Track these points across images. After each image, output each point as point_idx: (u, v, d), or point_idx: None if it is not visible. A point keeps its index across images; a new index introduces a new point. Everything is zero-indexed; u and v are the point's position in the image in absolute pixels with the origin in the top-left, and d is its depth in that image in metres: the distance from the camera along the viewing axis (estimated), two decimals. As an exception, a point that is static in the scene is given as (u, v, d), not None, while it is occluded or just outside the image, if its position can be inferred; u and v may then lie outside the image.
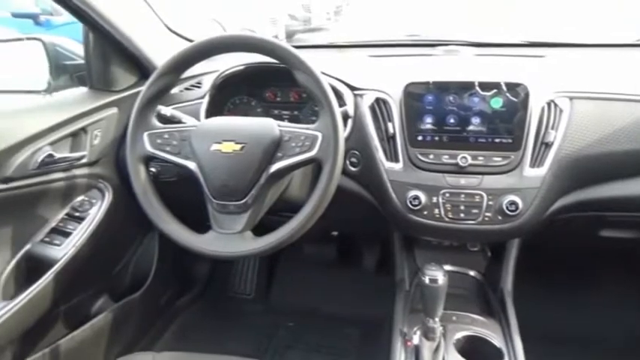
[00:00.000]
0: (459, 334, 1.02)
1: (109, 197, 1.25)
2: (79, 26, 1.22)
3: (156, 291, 1.60)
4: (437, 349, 0.96)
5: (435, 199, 1.03)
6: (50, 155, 1.06)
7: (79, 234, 1.17)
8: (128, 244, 1.50)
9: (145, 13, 1.29)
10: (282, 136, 0.89)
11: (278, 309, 1.89)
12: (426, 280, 0.92)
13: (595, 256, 1.62)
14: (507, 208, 0.99)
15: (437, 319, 0.95)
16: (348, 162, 1.11)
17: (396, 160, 1.06)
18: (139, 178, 0.96)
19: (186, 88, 1.28)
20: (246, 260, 1.97)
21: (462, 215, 1.02)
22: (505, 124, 1.01)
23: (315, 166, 0.99)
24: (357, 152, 1.10)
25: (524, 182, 1.00)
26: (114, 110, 1.23)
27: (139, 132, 0.96)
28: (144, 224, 1.46)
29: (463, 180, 1.02)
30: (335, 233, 1.81)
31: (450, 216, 1.03)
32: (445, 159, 1.03)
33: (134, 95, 1.19)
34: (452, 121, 1.03)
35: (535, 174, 1.00)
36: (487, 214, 1.01)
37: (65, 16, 4.15)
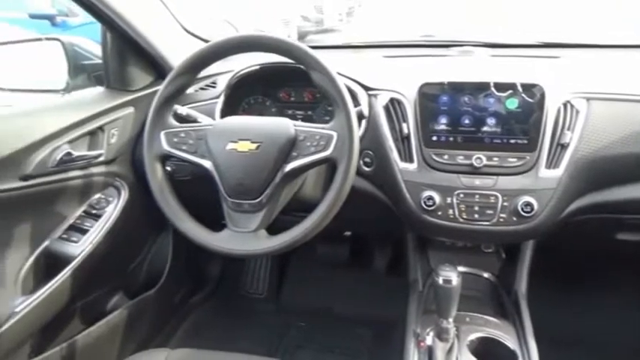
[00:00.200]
0: (473, 336, 1.01)
1: (125, 195, 1.26)
2: (95, 28, 1.24)
3: (170, 289, 1.61)
4: (450, 351, 0.96)
5: (449, 200, 1.02)
6: (68, 153, 1.08)
7: (96, 231, 1.18)
8: (143, 241, 1.52)
9: (161, 14, 1.30)
10: (298, 135, 0.90)
11: (289, 308, 1.89)
12: (440, 280, 0.92)
13: (610, 259, 1.60)
14: (522, 209, 0.98)
15: (450, 320, 0.94)
16: (361, 162, 1.11)
17: (411, 161, 1.06)
18: (156, 176, 0.97)
19: (202, 88, 1.29)
20: (258, 259, 1.97)
21: (476, 216, 1.01)
22: (520, 124, 1.00)
23: (329, 165, 1.00)
24: (370, 152, 1.10)
25: (540, 183, 0.99)
26: (130, 109, 1.25)
27: (156, 131, 0.97)
28: (158, 222, 1.48)
29: (478, 181, 1.02)
30: (348, 233, 1.82)
31: (465, 217, 1.02)
32: (460, 159, 1.02)
33: (150, 95, 1.21)
34: (467, 121, 1.03)
35: (551, 175, 0.99)
36: (502, 215, 1.00)
37: (81, 17, 4.22)
